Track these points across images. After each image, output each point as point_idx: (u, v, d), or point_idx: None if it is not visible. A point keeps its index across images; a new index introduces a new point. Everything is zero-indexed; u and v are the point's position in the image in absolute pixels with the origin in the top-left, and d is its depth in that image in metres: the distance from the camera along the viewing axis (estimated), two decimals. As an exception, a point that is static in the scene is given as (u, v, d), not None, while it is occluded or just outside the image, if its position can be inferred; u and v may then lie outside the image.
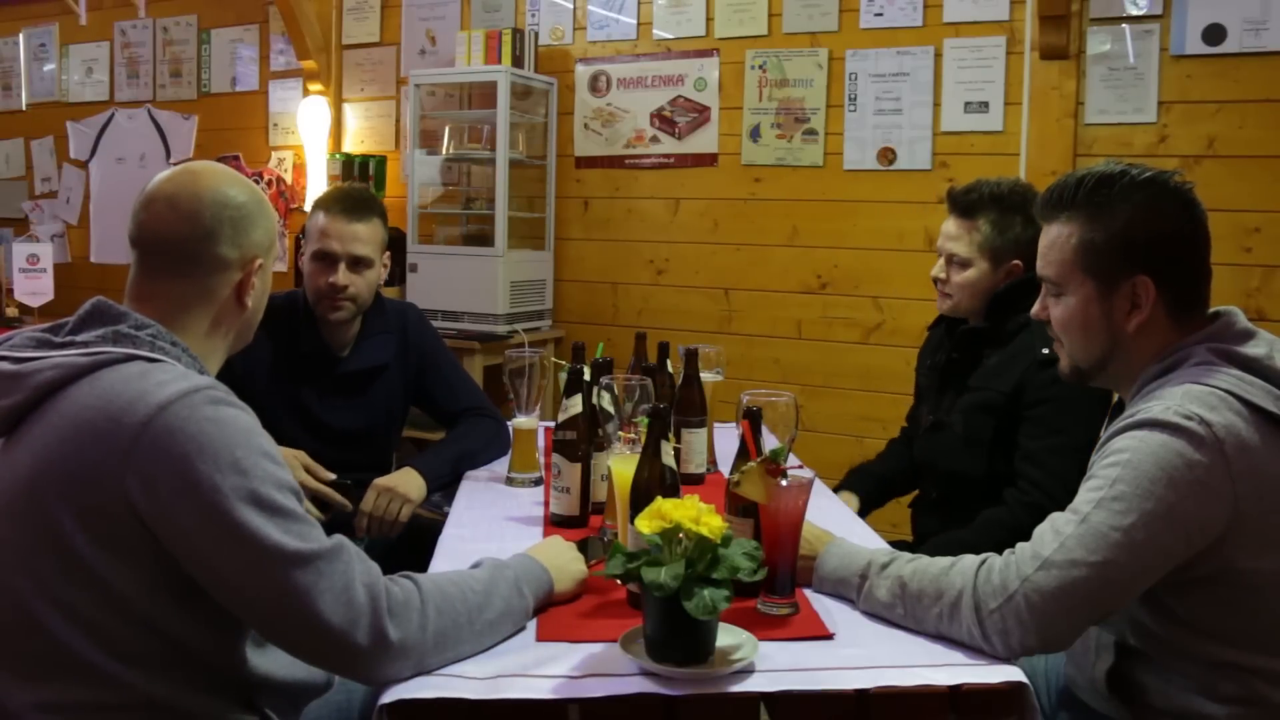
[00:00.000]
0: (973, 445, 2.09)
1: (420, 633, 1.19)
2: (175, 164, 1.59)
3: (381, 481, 2.07)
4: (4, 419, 1.21)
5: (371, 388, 2.32)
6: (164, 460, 1.12)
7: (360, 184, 2.36)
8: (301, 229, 2.72)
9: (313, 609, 1.13)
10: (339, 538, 1.20)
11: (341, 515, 2.02)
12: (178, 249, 1.29)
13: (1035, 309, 1.56)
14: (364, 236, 2.18)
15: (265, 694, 1.28)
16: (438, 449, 2.24)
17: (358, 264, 2.19)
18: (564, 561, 1.45)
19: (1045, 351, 1.98)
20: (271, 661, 1.27)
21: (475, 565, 1.39)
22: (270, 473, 1.16)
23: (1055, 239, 1.48)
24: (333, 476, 2.03)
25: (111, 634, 1.15)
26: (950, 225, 2.17)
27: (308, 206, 3.12)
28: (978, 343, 2.16)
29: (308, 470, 2.00)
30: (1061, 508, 1.32)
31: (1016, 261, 2.12)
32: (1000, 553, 1.32)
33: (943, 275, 2.18)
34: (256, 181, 4.93)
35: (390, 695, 1.17)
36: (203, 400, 1.15)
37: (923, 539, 2.22)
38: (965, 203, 2.14)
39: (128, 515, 1.13)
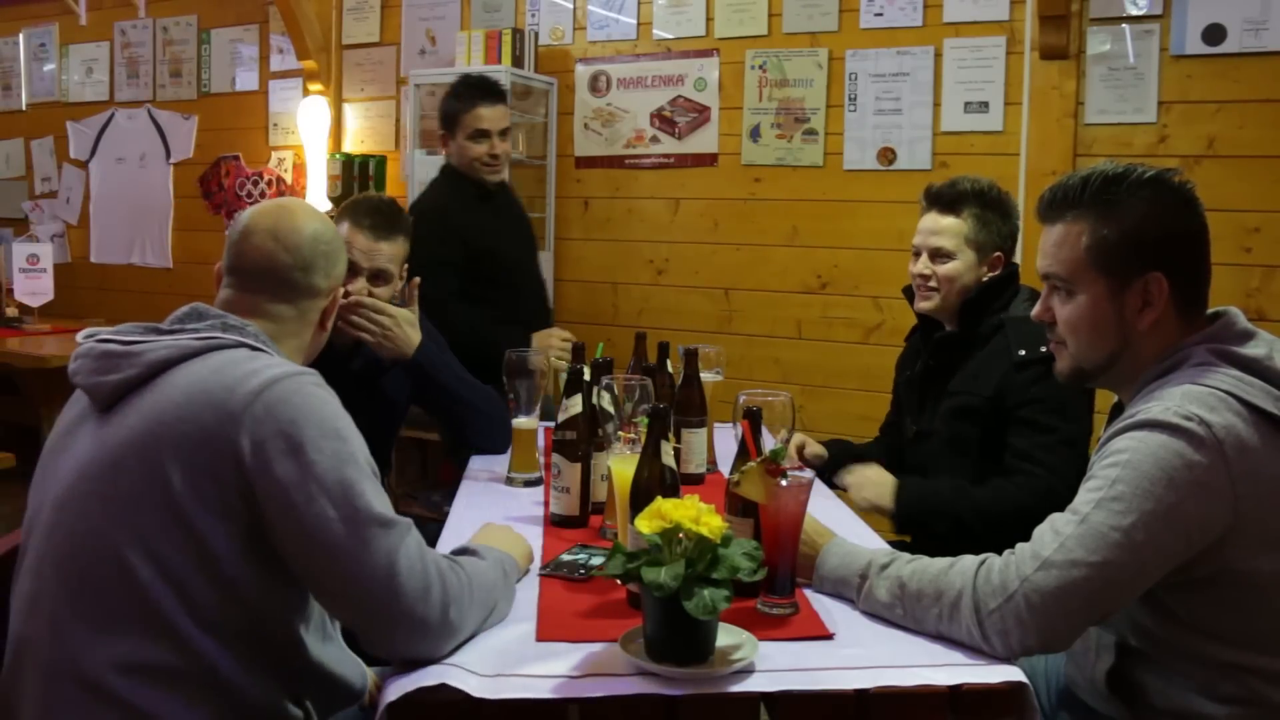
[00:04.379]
0: (958, 450, 2.09)
1: (464, 617, 1.28)
2: (274, 198, 1.61)
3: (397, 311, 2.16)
4: (111, 392, 1.29)
5: (373, 387, 2.32)
6: (273, 422, 1.23)
7: (389, 199, 2.36)
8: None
9: (393, 570, 1.21)
10: (408, 519, 1.29)
11: None
12: (278, 276, 1.43)
13: (1037, 310, 1.53)
14: (388, 253, 2.20)
15: (312, 684, 1.34)
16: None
17: (378, 277, 2.20)
18: (516, 545, 1.56)
19: (1021, 354, 1.99)
20: (324, 652, 1.35)
21: (463, 551, 1.43)
22: (363, 448, 1.29)
23: (1063, 237, 1.45)
24: None
25: (195, 594, 1.21)
26: (933, 220, 2.18)
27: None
28: (954, 348, 2.17)
29: None
30: (1064, 489, 1.32)
31: (998, 254, 2.14)
32: (997, 534, 1.31)
33: (928, 270, 2.17)
34: (256, 181, 4.96)
35: (391, 695, 1.17)
36: (309, 381, 1.29)
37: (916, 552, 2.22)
38: (950, 196, 2.16)
39: (233, 473, 1.21)
